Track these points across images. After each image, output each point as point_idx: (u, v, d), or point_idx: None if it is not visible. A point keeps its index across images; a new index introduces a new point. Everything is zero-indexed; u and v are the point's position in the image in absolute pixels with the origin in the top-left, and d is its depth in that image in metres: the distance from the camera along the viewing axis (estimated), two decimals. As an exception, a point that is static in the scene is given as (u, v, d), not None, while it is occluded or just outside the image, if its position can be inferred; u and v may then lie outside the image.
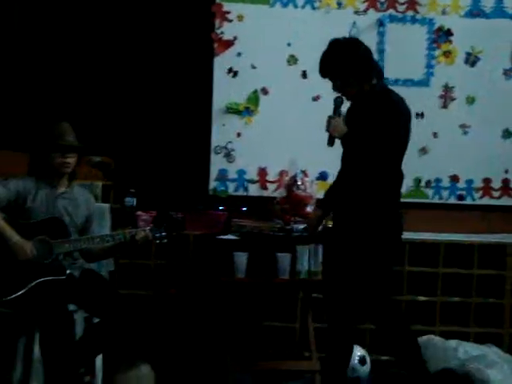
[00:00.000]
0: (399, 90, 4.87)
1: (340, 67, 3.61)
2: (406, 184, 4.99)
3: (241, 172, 5.00)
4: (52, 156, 3.77)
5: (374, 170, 3.58)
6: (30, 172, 3.86)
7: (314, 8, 4.96)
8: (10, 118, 4.90)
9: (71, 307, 3.66)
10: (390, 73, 4.96)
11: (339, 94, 3.70)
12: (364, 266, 3.58)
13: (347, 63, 3.60)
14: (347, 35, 4.92)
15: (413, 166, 4.96)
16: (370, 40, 4.89)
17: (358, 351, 4.37)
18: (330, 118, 3.67)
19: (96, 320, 3.75)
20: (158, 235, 3.80)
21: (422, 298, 4.78)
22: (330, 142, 3.70)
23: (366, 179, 3.59)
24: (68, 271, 3.72)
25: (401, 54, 4.99)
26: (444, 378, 4.20)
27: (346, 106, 3.76)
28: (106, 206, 4.26)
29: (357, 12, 4.98)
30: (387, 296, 3.66)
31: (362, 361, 4.33)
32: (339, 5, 4.97)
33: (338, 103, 3.71)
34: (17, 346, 3.74)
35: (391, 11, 5.00)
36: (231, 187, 5.02)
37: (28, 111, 4.91)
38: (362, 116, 3.62)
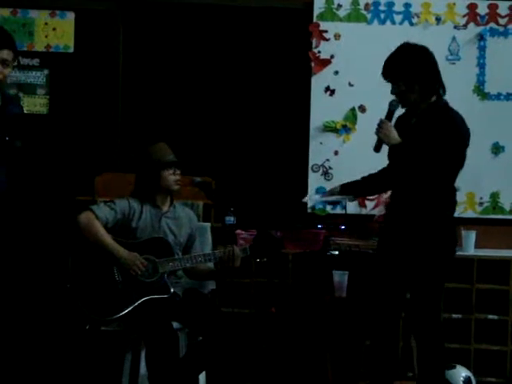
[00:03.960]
0: (501, 105, 4.91)
1: (409, 69, 3.52)
2: (510, 201, 4.92)
3: (339, 190, 4.99)
4: (164, 174, 3.87)
5: (429, 187, 3.53)
6: (134, 193, 3.96)
7: (412, 24, 4.92)
8: (115, 140, 5.06)
9: (175, 325, 3.72)
10: (491, 87, 4.91)
11: (395, 99, 3.61)
12: (420, 281, 3.57)
13: (418, 66, 3.52)
14: (446, 51, 4.90)
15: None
16: (470, 55, 4.91)
17: (463, 372, 4.27)
18: (381, 122, 3.58)
19: (199, 338, 3.80)
20: (258, 253, 3.84)
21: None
22: (377, 148, 3.63)
23: (418, 194, 3.55)
24: (172, 290, 3.80)
25: (502, 68, 4.89)
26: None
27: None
28: (207, 224, 4.32)
29: (456, 27, 4.91)
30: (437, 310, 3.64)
31: (468, 382, 4.22)
32: (438, 20, 4.91)
33: (393, 108, 3.62)
34: (123, 363, 3.85)
35: (492, 24, 4.91)
36: (329, 205, 5.02)
37: (131, 133, 5.06)
38: (425, 131, 3.53)
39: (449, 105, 3.65)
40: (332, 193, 3.96)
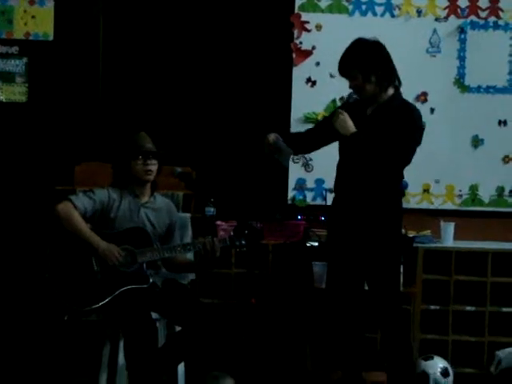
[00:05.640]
0: (481, 97, 4.93)
1: (365, 59, 3.61)
2: (489, 193, 4.95)
3: (319, 181, 5.00)
4: (134, 164, 3.84)
5: (381, 176, 3.62)
6: (114, 183, 3.94)
7: (393, 16, 4.93)
8: (95, 129, 5.03)
9: (154, 315, 3.72)
10: (471, 80, 4.93)
11: (353, 92, 3.71)
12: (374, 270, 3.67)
13: (373, 57, 3.62)
14: (427, 43, 4.91)
15: (495, 175, 4.94)
16: (450, 47, 4.92)
17: (441, 363, 4.31)
18: (339, 112, 3.66)
19: (178, 328, 3.80)
20: (237, 243, 3.83)
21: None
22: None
23: (370, 183, 3.63)
24: (151, 280, 3.78)
25: (482, 61, 4.91)
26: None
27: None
28: (187, 215, 4.31)
29: (437, 19, 4.92)
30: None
31: (445, 373, 4.26)
32: (419, 12, 4.92)
33: (351, 100, 3.72)
34: (102, 353, 3.84)
35: (472, 17, 4.92)
36: (309, 196, 5.03)
37: (111, 122, 5.03)
38: (384, 123, 3.61)
39: (406, 100, 3.75)
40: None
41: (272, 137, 3.80)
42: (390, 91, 3.67)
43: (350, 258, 3.71)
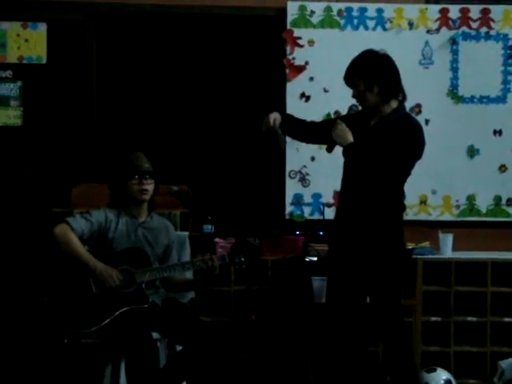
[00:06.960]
0: (475, 108, 4.94)
1: (369, 68, 3.60)
2: (486, 203, 4.96)
3: (316, 196, 5.00)
4: (130, 184, 3.84)
5: (380, 189, 3.60)
6: (111, 203, 3.94)
7: (385, 29, 4.95)
8: (91, 151, 5.03)
9: (154, 335, 3.71)
10: (465, 90, 4.95)
11: (355, 103, 3.72)
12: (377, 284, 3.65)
13: (378, 67, 3.61)
14: (420, 55, 4.93)
15: (492, 184, 4.94)
16: (443, 58, 4.95)
17: (444, 375, 4.29)
18: (337, 123, 3.66)
19: (179, 348, 3.78)
20: (236, 260, 3.83)
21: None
22: (330, 149, 3.75)
23: (370, 196, 3.61)
24: (150, 300, 3.77)
25: (476, 71, 4.94)
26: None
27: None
28: (185, 233, 4.30)
29: (429, 31, 4.95)
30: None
31: (448, 385, 4.26)
32: (411, 25, 4.95)
33: (352, 112, 3.82)
34: (104, 375, 3.82)
35: (464, 28, 4.95)
36: (307, 211, 5.02)
37: (107, 143, 5.03)
38: (385, 136, 3.59)
39: (408, 113, 3.75)
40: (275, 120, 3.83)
41: (273, 117, 3.80)
42: (394, 104, 3.65)
43: (352, 272, 3.69)
